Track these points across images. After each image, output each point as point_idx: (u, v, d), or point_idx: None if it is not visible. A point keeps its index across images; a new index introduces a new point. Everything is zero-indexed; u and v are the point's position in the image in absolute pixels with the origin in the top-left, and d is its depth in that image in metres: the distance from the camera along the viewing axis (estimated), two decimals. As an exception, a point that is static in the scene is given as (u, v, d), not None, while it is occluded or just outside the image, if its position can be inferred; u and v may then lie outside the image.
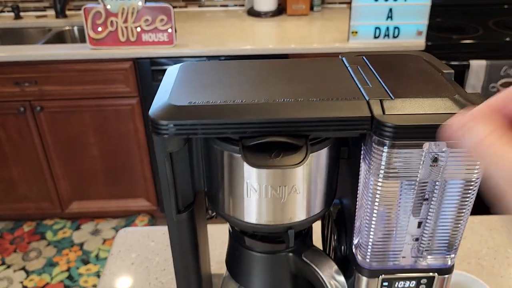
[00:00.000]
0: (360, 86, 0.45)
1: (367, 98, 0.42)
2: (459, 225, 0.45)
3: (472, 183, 0.42)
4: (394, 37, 1.82)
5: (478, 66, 1.79)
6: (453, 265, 0.49)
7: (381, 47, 1.82)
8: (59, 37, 2.15)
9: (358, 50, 1.77)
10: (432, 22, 1.82)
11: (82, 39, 2.18)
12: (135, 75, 1.84)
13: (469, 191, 0.43)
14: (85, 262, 2.03)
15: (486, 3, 2.24)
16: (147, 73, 1.84)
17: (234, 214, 0.48)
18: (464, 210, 0.44)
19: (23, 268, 2.01)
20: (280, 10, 2.21)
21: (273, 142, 0.40)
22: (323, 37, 1.94)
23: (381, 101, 0.41)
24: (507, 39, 1.88)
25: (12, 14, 2.24)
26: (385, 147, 0.40)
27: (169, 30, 1.78)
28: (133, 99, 1.89)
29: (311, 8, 2.24)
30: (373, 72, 0.47)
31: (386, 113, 0.40)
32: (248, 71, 0.50)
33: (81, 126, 1.96)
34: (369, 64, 0.49)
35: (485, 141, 0.24)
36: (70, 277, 1.95)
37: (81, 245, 2.13)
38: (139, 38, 1.79)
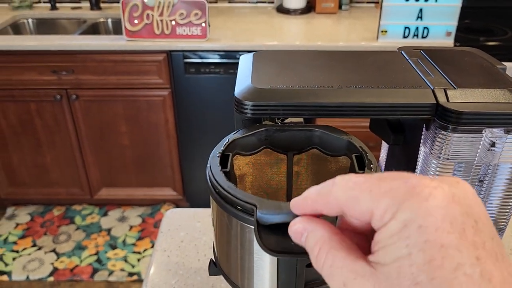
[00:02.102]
0: (423, 76, 0.49)
1: (432, 87, 0.46)
2: (508, 206, 0.49)
3: (525, 168, 0.47)
4: (423, 37, 1.85)
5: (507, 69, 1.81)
6: (499, 244, 0.53)
7: (409, 47, 1.85)
8: (94, 29, 2.22)
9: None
10: (460, 24, 1.84)
11: (116, 31, 2.26)
12: (168, 67, 1.90)
13: (521, 175, 0.47)
14: (113, 247, 2.11)
15: (514, 6, 2.25)
16: (180, 65, 1.90)
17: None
18: (514, 193, 0.48)
19: (54, 250, 2.09)
20: (309, 8, 2.25)
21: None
22: (351, 35, 1.98)
23: (445, 90, 0.46)
24: (536, 42, 1.89)
25: (48, 5, 2.32)
26: (447, 131, 0.45)
27: (203, 25, 1.83)
28: (165, 91, 1.95)
29: (340, 7, 2.28)
30: (433, 65, 0.52)
31: (450, 100, 0.45)
32: (315, 60, 0.55)
33: (114, 115, 2.02)
34: (427, 57, 0.54)
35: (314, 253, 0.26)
36: (98, 261, 2.03)
37: (108, 230, 2.20)
38: (173, 31, 1.85)
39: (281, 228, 0.34)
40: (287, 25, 2.14)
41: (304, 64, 0.53)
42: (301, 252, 0.31)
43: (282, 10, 2.25)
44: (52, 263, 2.02)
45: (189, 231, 0.90)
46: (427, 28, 1.84)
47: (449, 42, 1.84)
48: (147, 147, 2.11)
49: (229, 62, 1.88)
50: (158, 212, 2.32)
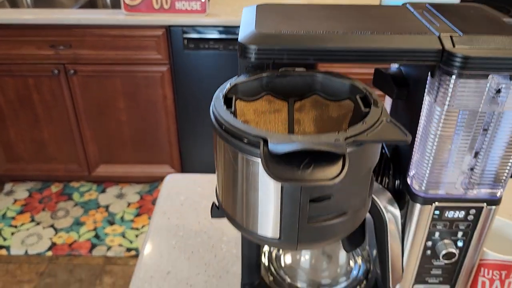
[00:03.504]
0: (428, 25, 0.49)
1: (437, 34, 0.46)
2: (511, 156, 0.50)
3: (529, 116, 0.47)
4: None
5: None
6: (501, 197, 0.54)
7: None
8: (92, 3, 2.19)
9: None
10: (464, 1, 1.83)
11: (114, 6, 2.23)
12: (167, 42, 1.88)
13: (525, 123, 0.47)
14: (111, 223, 2.11)
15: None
16: (179, 41, 1.88)
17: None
18: (517, 142, 0.48)
19: (52, 226, 2.09)
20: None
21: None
22: None
23: (451, 36, 0.46)
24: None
25: (45, -21, 2.28)
26: (453, 76, 0.45)
27: (203, -1, 1.81)
28: (163, 66, 1.94)
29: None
30: (439, 16, 0.51)
31: (456, 46, 0.45)
32: (320, 11, 0.54)
33: (112, 91, 2.01)
34: (433, 10, 0.53)
35: None
36: (96, 236, 2.04)
37: (106, 207, 2.21)
38: (172, 6, 1.83)
39: (288, 159, 0.34)
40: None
41: (308, 15, 0.53)
42: (306, 180, 0.32)
43: (282, -13, 2.22)
44: (51, 238, 2.03)
45: (189, 195, 0.90)
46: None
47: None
48: (145, 124, 2.11)
49: (228, 38, 1.86)
50: (156, 189, 2.32)
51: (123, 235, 2.05)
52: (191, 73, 1.95)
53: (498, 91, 0.45)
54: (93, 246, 1.99)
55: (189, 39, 1.88)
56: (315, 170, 0.33)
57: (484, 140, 0.49)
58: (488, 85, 0.45)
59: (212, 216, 0.46)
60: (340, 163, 0.33)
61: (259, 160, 0.35)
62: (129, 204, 2.22)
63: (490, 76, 0.45)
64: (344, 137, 0.35)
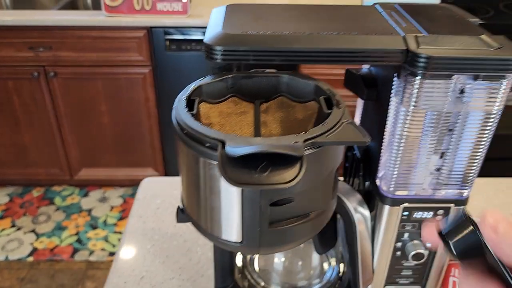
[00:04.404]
0: (395, 25, 0.49)
1: (403, 34, 0.46)
2: (477, 156, 0.50)
3: (492, 116, 0.47)
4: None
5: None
6: (468, 197, 0.54)
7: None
8: (72, 4, 2.17)
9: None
10: (444, 2, 1.85)
11: (95, 7, 2.21)
12: (148, 44, 1.87)
13: (489, 123, 0.47)
14: (94, 227, 2.09)
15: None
16: (161, 42, 1.87)
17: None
18: (482, 141, 0.49)
19: (33, 231, 2.06)
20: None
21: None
22: None
23: (416, 36, 0.46)
24: (517, 22, 1.92)
25: (25, -20, 2.25)
26: (417, 77, 0.45)
27: (184, 0, 1.80)
28: (145, 68, 1.92)
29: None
30: (406, 16, 0.51)
31: (421, 46, 0.45)
32: (290, 11, 0.54)
33: (93, 93, 1.99)
34: (400, 10, 0.53)
35: None
36: (79, 241, 2.01)
37: (89, 211, 2.18)
38: (153, 7, 1.82)
39: (245, 162, 0.33)
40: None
41: (277, 15, 0.53)
42: (265, 183, 0.31)
43: (265, -11, 2.22)
44: (32, 243, 1.99)
45: (165, 198, 0.89)
46: (409, 7, 1.84)
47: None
48: (128, 126, 2.09)
49: (210, 40, 1.85)
50: (140, 192, 2.30)
51: (105, 239, 2.02)
52: (174, 74, 1.94)
53: (462, 91, 0.46)
54: (75, 250, 1.96)
55: (171, 40, 1.87)
56: (272, 173, 0.32)
57: (451, 140, 0.49)
58: (452, 85, 0.45)
59: (177, 221, 0.45)
60: (298, 166, 0.33)
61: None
62: (112, 208, 2.20)
63: (454, 76, 0.45)
64: (303, 139, 0.34)
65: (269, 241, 0.38)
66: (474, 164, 0.51)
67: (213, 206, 0.39)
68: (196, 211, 0.42)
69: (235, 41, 0.45)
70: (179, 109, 0.39)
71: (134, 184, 2.32)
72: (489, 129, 0.48)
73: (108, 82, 1.96)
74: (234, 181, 0.31)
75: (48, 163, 2.18)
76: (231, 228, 0.39)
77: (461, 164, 0.51)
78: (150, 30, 1.84)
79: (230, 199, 0.38)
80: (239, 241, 0.39)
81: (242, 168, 0.33)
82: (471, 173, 0.51)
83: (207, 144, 0.36)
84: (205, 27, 1.61)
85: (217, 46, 0.45)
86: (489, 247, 0.27)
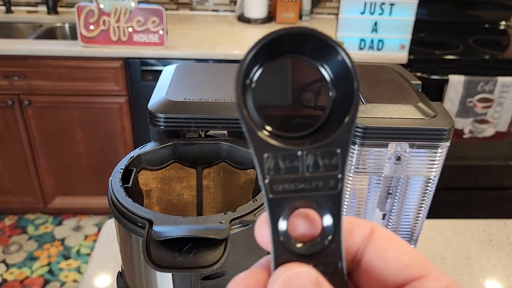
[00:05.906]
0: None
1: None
2: (419, 217, 0.51)
3: (431, 180, 0.48)
4: (378, 49, 1.90)
5: (457, 81, 1.88)
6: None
7: (365, 59, 1.89)
8: (50, 33, 2.17)
9: (342, 60, 1.84)
10: (416, 37, 1.90)
11: (73, 36, 2.21)
12: (125, 74, 1.87)
13: (428, 187, 0.49)
14: (66, 257, 2.05)
15: (467, 21, 2.34)
16: (137, 73, 1.88)
17: None
18: (423, 204, 0.50)
19: (3, 261, 2.01)
20: (270, 18, 2.27)
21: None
22: (310, 46, 2.01)
23: (354, 105, 0.47)
24: (486, 57, 1.98)
25: (3, 8, 2.25)
26: (355, 145, 0.46)
27: (160, 32, 1.82)
28: (121, 98, 1.92)
29: (300, 17, 2.31)
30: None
31: (358, 115, 0.46)
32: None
33: (69, 122, 1.98)
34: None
35: None
36: (50, 272, 1.97)
37: (62, 240, 2.14)
38: (130, 38, 1.83)
39: (171, 244, 0.34)
40: (247, 34, 2.16)
41: (224, 77, 0.54)
42: (187, 267, 0.31)
43: (243, 19, 2.26)
44: (1, 275, 1.94)
45: (127, 242, 0.88)
46: (382, 41, 1.89)
47: (403, 55, 1.90)
48: (104, 155, 2.07)
49: (187, 70, 1.87)
50: (116, 221, 2.27)
51: (78, 270, 1.98)
52: (150, 104, 1.95)
53: (398, 158, 0.47)
54: (46, 282, 1.92)
55: (148, 71, 1.87)
56: (196, 256, 0.33)
57: (394, 203, 0.50)
58: (388, 152, 0.47)
59: (117, 286, 0.45)
60: (222, 247, 0.33)
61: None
62: (86, 237, 2.16)
63: (390, 144, 0.46)
64: (230, 219, 0.35)
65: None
66: (417, 224, 0.52)
67: (147, 278, 0.39)
68: (133, 280, 0.42)
69: (178, 108, 0.46)
70: (113, 183, 0.39)
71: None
72: (429, 192, 0.49)
73: (84, 111, 1.96)
74: (156, 266, 0.32)
75: (22, 191, 2.14)
76: (165, 302, 0.39)
77: (405, 225, 0.52)
78: (126, 60, 1.85)
79: (162, 274, 0.38)
80: (173, 315, 0.39)
81: (167, 249, 0.33)
82: (415, 232, 0.52)
83: (138, 224, 0.36)
84: (182, 59, 1.62)
85: (160, 113, 0.45)
86: None
